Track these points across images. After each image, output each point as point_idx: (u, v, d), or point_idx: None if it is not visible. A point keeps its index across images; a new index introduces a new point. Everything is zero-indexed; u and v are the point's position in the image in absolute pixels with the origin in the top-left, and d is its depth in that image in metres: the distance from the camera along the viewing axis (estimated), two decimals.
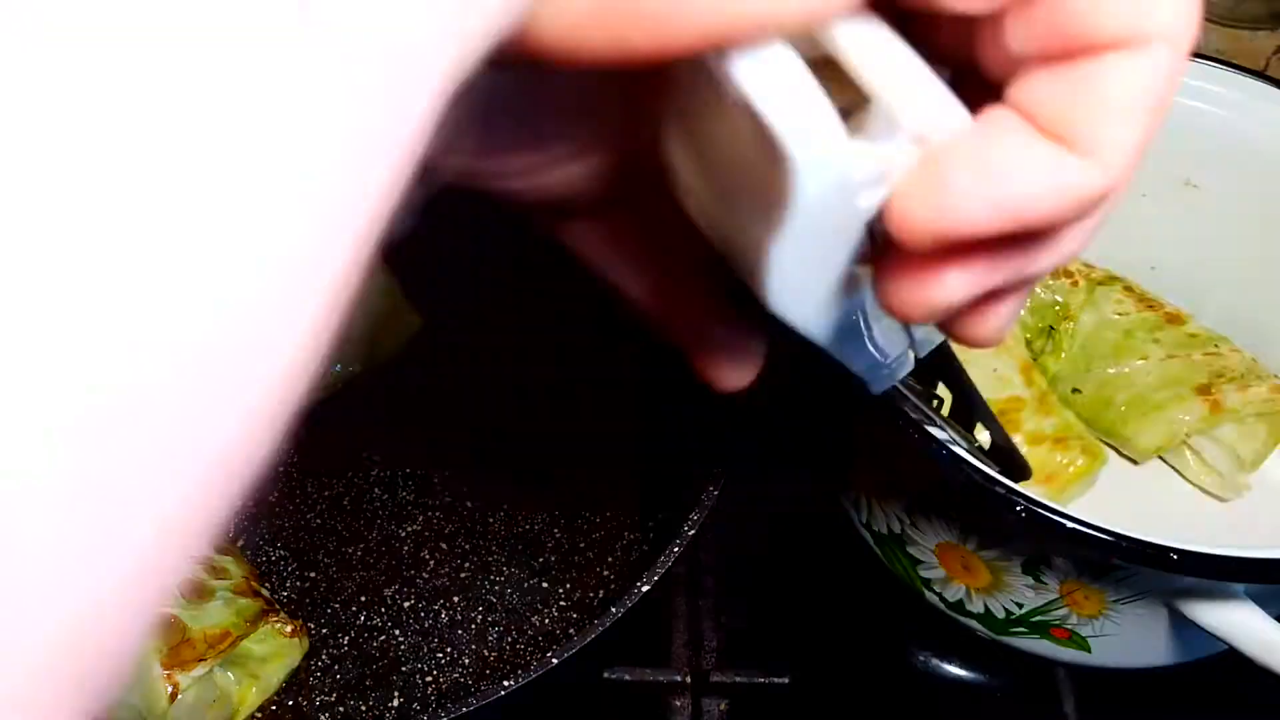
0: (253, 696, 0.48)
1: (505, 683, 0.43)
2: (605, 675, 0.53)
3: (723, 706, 0.53)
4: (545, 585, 0.54)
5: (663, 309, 0.30)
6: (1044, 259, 0.23)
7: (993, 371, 0.57)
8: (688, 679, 0.53)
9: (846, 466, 0.55)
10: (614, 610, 0.45)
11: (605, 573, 0.55)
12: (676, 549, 0.46)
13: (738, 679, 0.54)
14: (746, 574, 0.58)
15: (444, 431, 0.59)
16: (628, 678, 0.53)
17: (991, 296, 0.24)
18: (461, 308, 0.65)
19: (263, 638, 0.48)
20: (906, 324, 0.29)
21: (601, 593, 0.54)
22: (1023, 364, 0.58)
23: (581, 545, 0.56)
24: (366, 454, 0.58)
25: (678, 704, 0.53)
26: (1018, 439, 0.54)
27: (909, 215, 0.20)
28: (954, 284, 0.22)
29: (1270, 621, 0.45)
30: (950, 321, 0.25)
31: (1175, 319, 0.60)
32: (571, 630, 0.52)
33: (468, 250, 0.68)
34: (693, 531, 0.47)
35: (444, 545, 0.55)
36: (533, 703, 0.51)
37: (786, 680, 0.54)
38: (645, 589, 0.45)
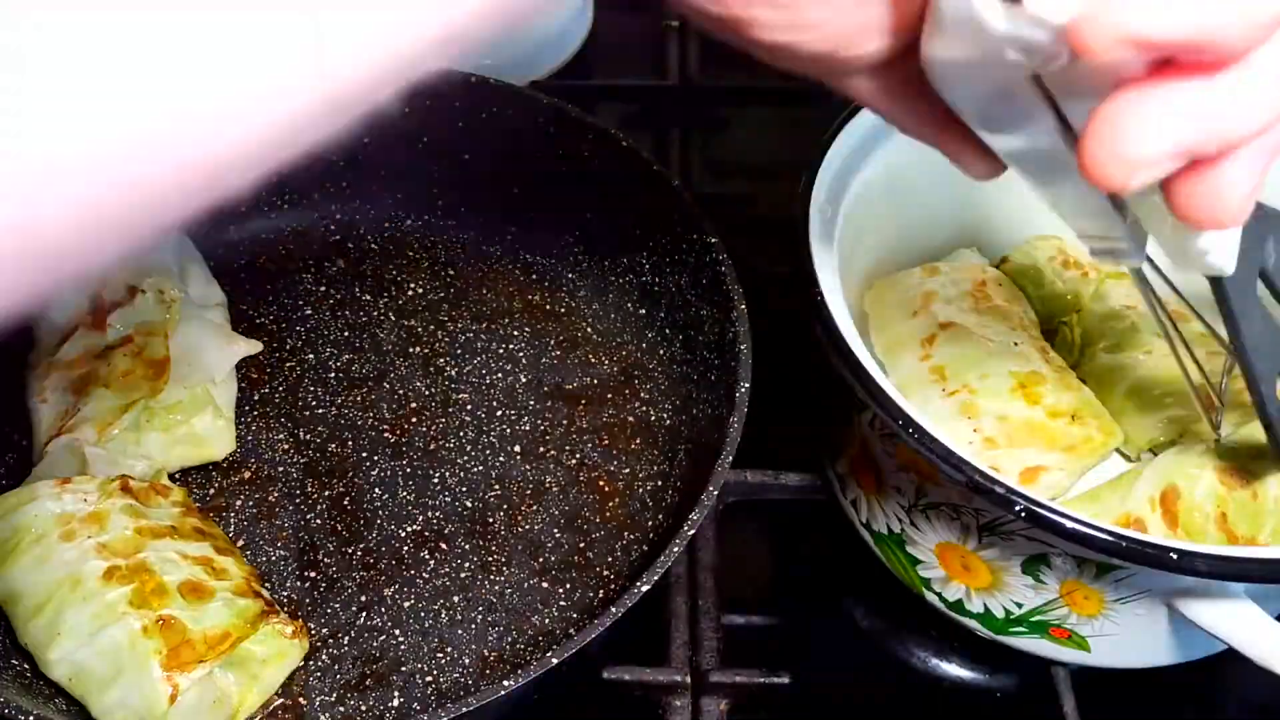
0: (253, 697, 0.48)
1: (505, 682, 0.43)
2: (605, 675, 0.53)
3: (723, 706, 0.53)
4: (545, 585, 0.54)
5: (930, 134, 0.36)
6: (1233, 108, 0.25)
7: (1013, 346, 0.57)
8: (688, 679, 0.53)
9: (846, 466, 0.55)
10: (614, 610, 0.45)
11: (605, 573, 0.55)
12: (676, 548, 0.46)
13: (737, 679, 0.54)
14: (746, 574, 0.59)
15: (443, 432, 0.59)
16: (628, 678, 0.53)
17: (1202, 164, 0.26)
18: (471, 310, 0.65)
19: (263, 639, 0.48)
20: (1114, 201, 0.33)
21: (601, 593, 0.54)
22: (1039, 345, 0.58)
23: (581, 546, 0.56)
24: (367, 455, 0.58)
25: (678, 704, 0.53)
26: (1038, 411, 0.54)
27: (1085, 23, 0.23)
28: (1145, 132, 0.24)
29: (1270, 621, 0.45)
30: (1173, 195, 0.27)
31: (1181, 317, 0.60)
32: (571, 630, 0.52)
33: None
34: (692, 531, 0.47)
35: (444, 546, 0.55)
36: (533, 703, 0.51)
37: (786, 680, 0.54)
38: (645, 588, 0.45)
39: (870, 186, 0.55)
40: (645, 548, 0.55)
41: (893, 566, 0.54)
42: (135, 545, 0.49)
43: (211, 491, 0.57)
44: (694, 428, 0.58)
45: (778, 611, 0.58)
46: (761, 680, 0.54)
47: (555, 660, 0.43)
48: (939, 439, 0.44)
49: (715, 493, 0.48)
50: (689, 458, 0.57)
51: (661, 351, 0.62)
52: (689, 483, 0.55)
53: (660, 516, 0.56)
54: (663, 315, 0.62)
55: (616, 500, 0.57)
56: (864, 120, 0.55)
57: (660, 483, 0.58)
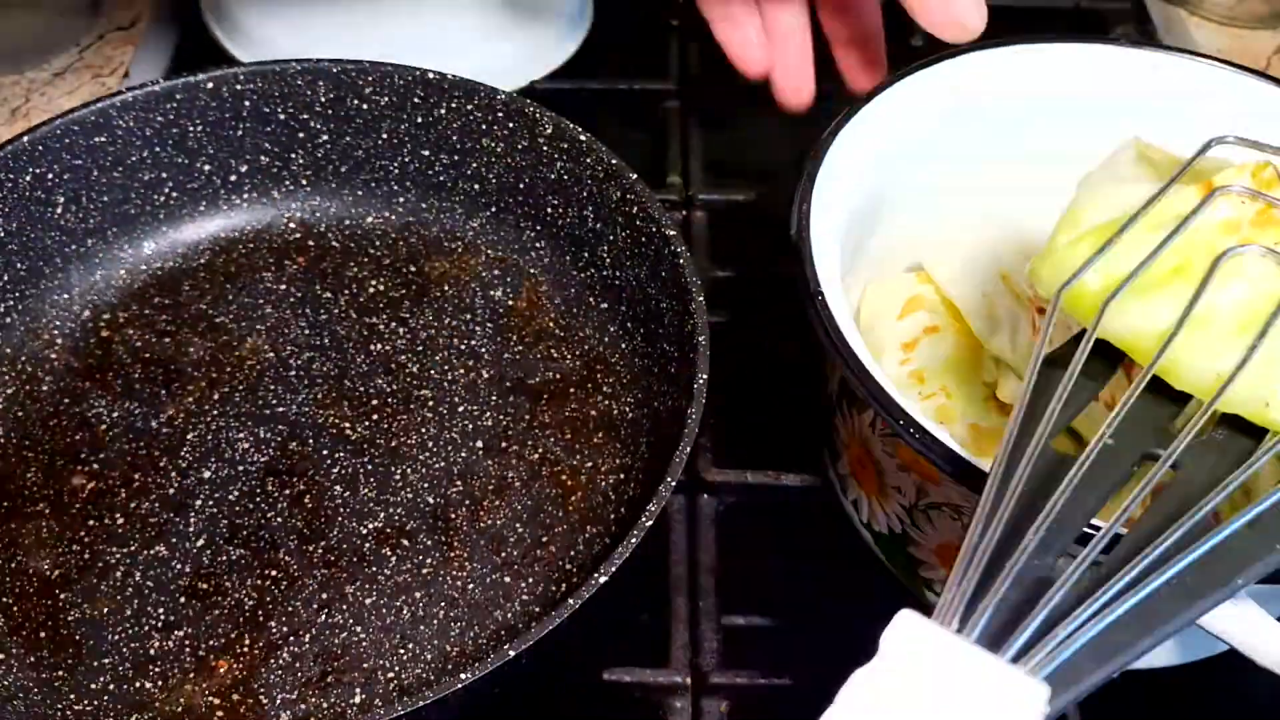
0: None
1: (462, 675, 0.43)
2: (605, 677, 0.53)
3: (723, 708, 0.53)
4: (508, 580, 0.54)
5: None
6: None
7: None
8: (688, 680, 0.53)
9: (846, 466, 0.55)
10: (571, 602, 0.45)
11: (568, 566, 0.55)
12: (634, 540, 0.46)
13: (738, 680, 0.54)
14: (747, 575, 0.58)
15: (405, 429, 0.59)
16: (628, 679, 0.53)
17: None
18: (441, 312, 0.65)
19: None
20: None
21: (564, 586, 0.54)
22: (1023, 355, 0.57)
23: (544, 539, 0.56)
24: (328, 452, 0.58)
25: (678, 705, 0.53)
26: (996, 418, 0.54)
27: None
28: None
29: (1273, 622, 0.44)
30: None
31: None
32: (533, 624, 0.52)
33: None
34: (649, 523, 0.47)
35: (406, 542, 0.55)
36: (531, 703, 0.52)
37: (788, 681, 0.54)
38: (603, 579, 0.45)
39: (874, 186, 0.55)
40: (607, 540, 0.55)
41: (894, 567, 0.54)
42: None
43: (171, 490, 0.56)
44: (655, 421, 0.58)
45: (778, 613, 0.58)
46: (762, 681, 0.54)
47: (513, 653, 0.43)
48: (941, 439, 0.44)
49: (673, 484, 0.48)
50: (650, 450, 0.57)
51: (623, 345, 0.62)
52: (651, 476, 0.55)
53: (623, 510, 0.56)
54: (624, 309, 0.62)
55: (579, 494, 0.57)
56: (865, 120, 0.55)
57: (622, 476, 0.58)
